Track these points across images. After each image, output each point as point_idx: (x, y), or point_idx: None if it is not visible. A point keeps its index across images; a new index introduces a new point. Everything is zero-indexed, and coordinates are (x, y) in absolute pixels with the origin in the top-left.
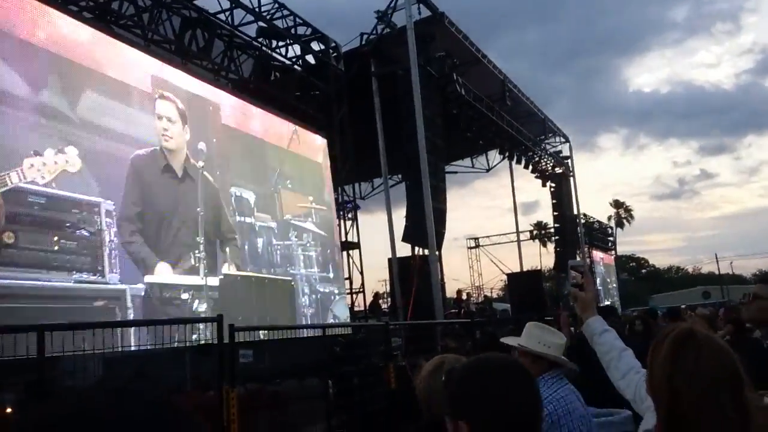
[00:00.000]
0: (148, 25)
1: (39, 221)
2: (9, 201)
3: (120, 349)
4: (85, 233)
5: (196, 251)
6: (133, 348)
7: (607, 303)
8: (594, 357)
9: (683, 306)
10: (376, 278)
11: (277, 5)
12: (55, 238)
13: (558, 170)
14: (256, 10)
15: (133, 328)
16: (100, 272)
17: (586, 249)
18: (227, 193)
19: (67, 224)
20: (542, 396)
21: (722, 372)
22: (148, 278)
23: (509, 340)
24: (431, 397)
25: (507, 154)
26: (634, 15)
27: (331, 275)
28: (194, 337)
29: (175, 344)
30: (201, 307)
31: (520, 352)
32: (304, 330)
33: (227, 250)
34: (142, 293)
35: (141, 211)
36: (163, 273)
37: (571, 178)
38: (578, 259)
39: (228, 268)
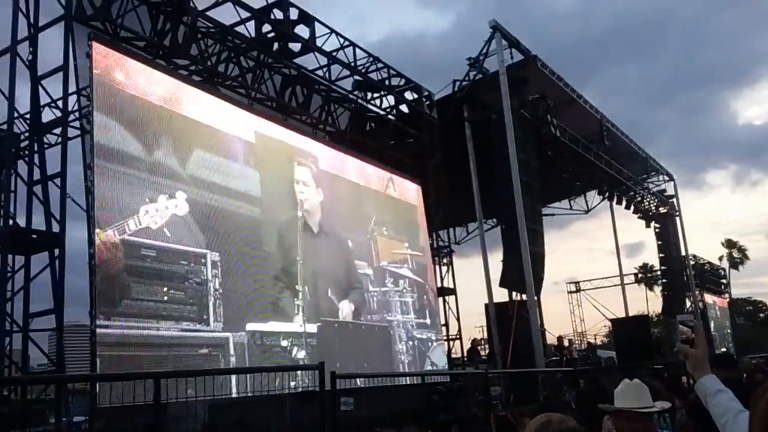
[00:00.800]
0: (251, 84)
1: (151, 273)
2: (125, 254)
3: (228, 396)
4: (193, 283)
5: (295, 299)
6: (234, 395)
7: (723, 350)
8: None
9: None
10: (473, 324)
11: (371, 59)
12: (165, 289)
13: (662, 210)
14: (352, 64)
15: (234, 376)
16: (205, 321)
17: (696, 292)
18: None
19: (177, 275)
20: None
21: None
22: (249, 326)
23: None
24: None
25: (607, 194)
26: (739, 46)
27: (428, 321)
28: (293, 384)
29: (276, 391)
30: (299, 354)
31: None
32: (403, 378)
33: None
34: (244, 341)
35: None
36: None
37: (677, 218)
38: (689, 303)
39: (350, 312)
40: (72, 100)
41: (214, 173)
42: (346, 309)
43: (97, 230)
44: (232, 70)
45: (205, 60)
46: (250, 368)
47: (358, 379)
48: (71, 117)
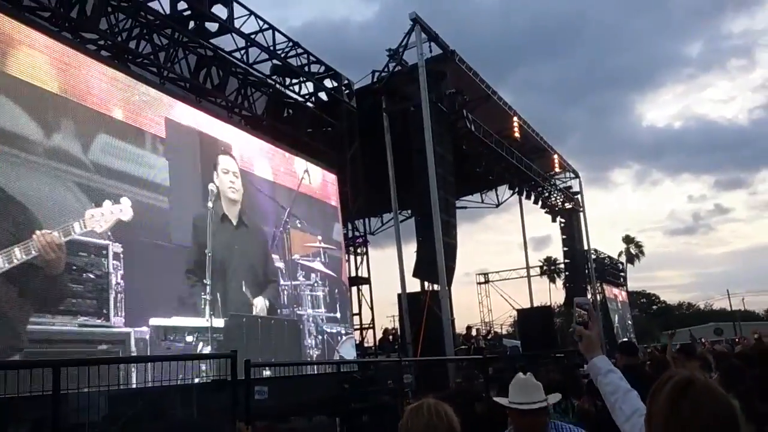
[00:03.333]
0: (164, 64)
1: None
2: None
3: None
4: (92, 276)
5: (203, 293)
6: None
7: (625, 339)
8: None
9: (701, 339)
10: (385, 314)
11: (291, 44)
12: (62, 281)
13: (568, 205)
14: (271, 48)
15: (135, 368)
16: (105, 315)
17: (597, 284)
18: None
19: (74, 267)
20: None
21: (719, 422)
22: (152, 321)
23: (500, 400)
24: None
25: (516, 189)
26: (647, 50)
27: (339, 315)
28: (197, 380)
29: (179, 381)
30: (205, 350)
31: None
32: (315, 367)
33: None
34: (147, 336)
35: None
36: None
37: (581, 214)
38: (589, 295)
39: (264, 307)
40: None
41: (118, 160)
42: (260, 303)
43: None
44: (144, 47)
45: (115, 35)
46: (158, 356)
47: (266, 369)
48: None
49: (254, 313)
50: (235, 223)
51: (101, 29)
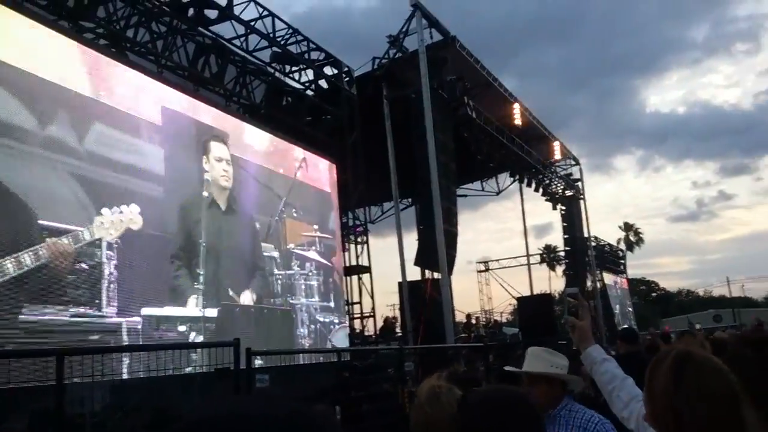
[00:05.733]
0: (162, 52)
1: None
2: None
3: (125, 376)
4: (85, 266)
5: (195, 283)
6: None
7: (625, 326)
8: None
9: (698, 326)
10: (385, 303)
11: (291, 31)
12: (59, 275)
13: (569, 193)
14: (271, 35)
15: (129, 358)
16: (98, 305)
17: (597, 272)
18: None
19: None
20: (590, 415)
21: (723, 391)
22: (144, 311)
23: (511, 368)
24: (429, 429)
25: (517, 177)
26: (652, 35)
27: (332, 304)
28: (188, 369)
29: (173, 371)
30: (197, 339)
31: (531, 378)
32: (313, 356)
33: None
34: (139, 326)
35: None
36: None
37: (582, 201)
38: (589, 284)
39: (252, 296)
40: None
41: (113, 150)
42: (248, 293)
43: None
44: (143, 35)
45: (112, 24)
46: (159, 345)
47: (258, 359)
48: None
49: (242, 301)
50: (224, 209)
51: (99, 17)
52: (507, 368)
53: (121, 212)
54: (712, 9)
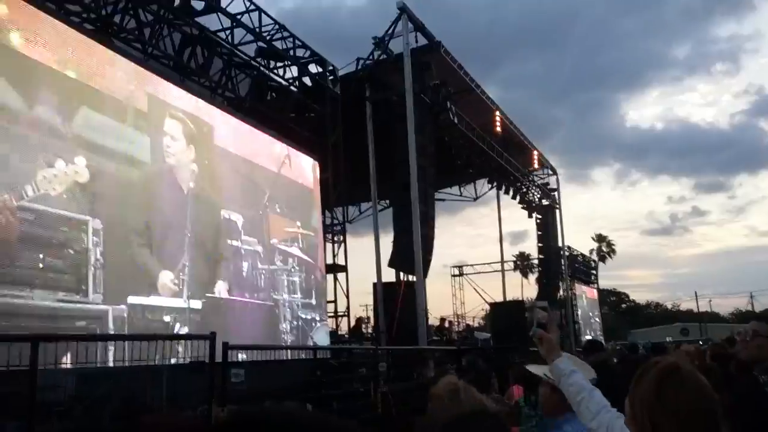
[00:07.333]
0: (149, 40)
1: (27, 238)
2: None
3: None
4: (71, 251)
5: (181, 274)
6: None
7: (589, 338)
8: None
9: (669, 339)
10: (359, 303)
11: (277, 27)
12: (41, 256)
13: (545, 202)
14: (257, 30)
15: (112, 347)
16: (84, 292)
17: (568, 281)
18: (218, 215)
19: (55, 242)
20: None
21: (702, 407)
22: (131, 299)
23: (535, 369)
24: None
25: (495, 183)
26: (636, 50)
27: (314, 302)
28: (173, 360)
29: (156, 362)
30: (182, 330)
31: (544, 382)
32: (289, 352)
33: (221, 270)
34: (125, 314)
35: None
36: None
37: (558, 211)
38: (561, 292)
39: (219, 289)
40: None
41: (101, 135)
42: (221, 283)
43: None
44: (128, 22)
45: (99, 8)
46: (139, 335)
47: (242, 353)
48: None
49: (217, 293)
50: (186, 192)
51: (85, 2)
52: (528, 367)
53: (67, 165)
54: (695, 28)
